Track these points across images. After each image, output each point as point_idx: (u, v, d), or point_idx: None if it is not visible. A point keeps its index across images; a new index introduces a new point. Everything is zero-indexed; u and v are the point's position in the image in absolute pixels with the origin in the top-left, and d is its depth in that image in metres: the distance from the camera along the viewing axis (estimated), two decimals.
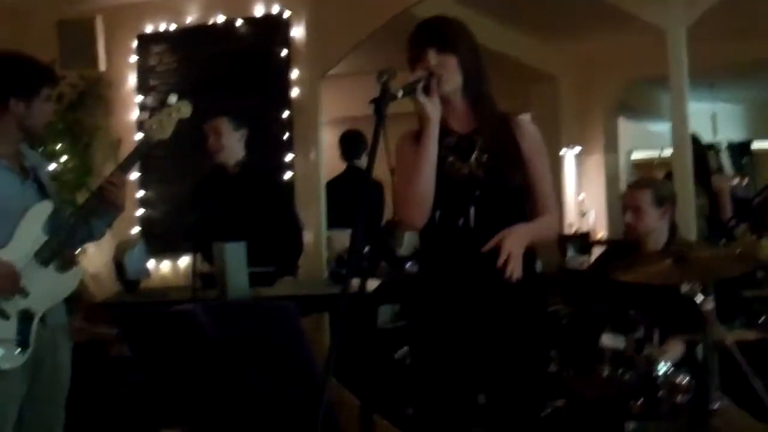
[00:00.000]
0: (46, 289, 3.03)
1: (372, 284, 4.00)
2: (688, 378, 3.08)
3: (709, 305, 3.03)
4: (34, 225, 3.04)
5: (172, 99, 3.29)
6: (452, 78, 2.51)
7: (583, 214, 8.89)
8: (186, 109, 3.30)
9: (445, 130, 2.55)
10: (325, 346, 4.96)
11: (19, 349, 2.96)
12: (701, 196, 5.39)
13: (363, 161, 5.68)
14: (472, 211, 2.49)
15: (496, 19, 7.44)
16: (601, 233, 8.68)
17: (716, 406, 2.94)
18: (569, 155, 8.96)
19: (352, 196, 5.13)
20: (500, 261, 2.38)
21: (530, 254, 2.55)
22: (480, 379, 2.55)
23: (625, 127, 10.39)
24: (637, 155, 11.93)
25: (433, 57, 2.49)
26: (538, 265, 8.00)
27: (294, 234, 4.61)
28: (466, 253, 2.49)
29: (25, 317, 2.98)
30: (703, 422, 2.95)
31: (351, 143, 5.74)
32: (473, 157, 2.53)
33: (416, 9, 5.69)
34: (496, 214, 2.51)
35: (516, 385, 2.52)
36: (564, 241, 7.97)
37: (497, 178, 2.51)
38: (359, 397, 4.03)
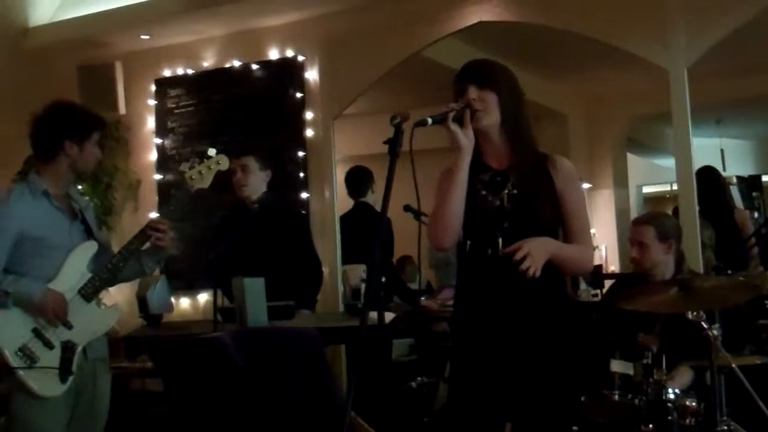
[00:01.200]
0: (87, 323, 3.26)
1: (387, 317, 4.10)
2: (696, 402, 3.16)
3: (715, 332, 3.13)
4: (79, 262, 3.29)
5: (212, 152, 3.55)
6: (490, 114, 2.60)
7: (594, 248, 8.96)
8: (224, 162, 3.57)
9: (481, 166, 2.65)
10: (341, 377, 5.06)
11: (60, 379, 3.14)
12: (708, 228, 5.47)
13: (369, 198, 5.70)
14: (500, 241, 2.57)
15: (505, 59, 7.54)
16: (613, 267, 8.75)
17: (723, 428, 3.02)
18: None
19: (361, 232, 5.23)
20: (518, 256, 2.45)
21: (560, 280, 2.62)
22: (508, 405, 2.59)
23: (635, 162, 10.50)
24: (648, 189, 12.03)
25: (473, 92, 2.59)
26: None
27: (313, 269, 4.72)
28: (494, 281, 2.57)
29: (68, 348, 3.18)
30: None
31: (357, 180, 5.77)
32: (505, 191, 2.62)
33: (427, 51, 5.87)
34: None
35: (543, 413, 2.56)
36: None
37: (526, 211, 2.59)
38: (374, 426, 4.12)
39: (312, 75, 5.88)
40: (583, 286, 7.55)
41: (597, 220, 9.24)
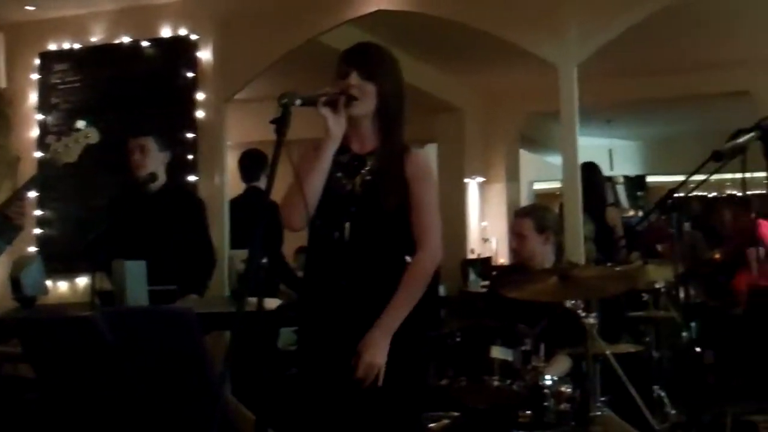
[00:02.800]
0: None
1: (272, 303, 4.05)
2: (571, 388, 3.23)
3: (591, 320, 3.21)
4: None
5: (80, 124, 3.35)
6: (366, 103, 2.59)
7: (485, 240, 9.14)
8: (94, 136, 3.36)
9: (343, 148, 2.63)
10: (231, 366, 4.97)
11: None
12: (590, 223, 5.62)
13: (262, 182, 5.61)
14: (347, 225, 2.59)
15: (404, 51, 7.60)
16: (502, 259, 8.93)
17: (597, 413, 3.11)
18: (473, 184, 9.21)
19: (252, 216, 5.13)
20: (367, 383, 2.46)
21: (401, 264, 2.61)
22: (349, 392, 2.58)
23: (527, 158, 10.74)
24: (539, 185, 12.33)
25: (354, 78, 2.57)
26: (442, 290, 8.20)
27: (205, 254, 4.62)
28: (339, 264, 2.59)
29: None
30: (584, 429, 3.11)
31: (250, 163, 5.65)
32: (359, 176, 2.63)
33: (325, 38, 5.82)
34: (370, 233, 2.60)
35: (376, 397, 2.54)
36: (466, 265, 8.18)
37: (373, 199, 2.60)
38: (254, 412, 4.07)
39: (205, 55, 5.77)
40: (472, 277, 7.70)
41: (488, 213, 9.40)
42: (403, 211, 2.61)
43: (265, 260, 3.54)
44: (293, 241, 5.86)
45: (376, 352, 2.49)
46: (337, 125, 2.54)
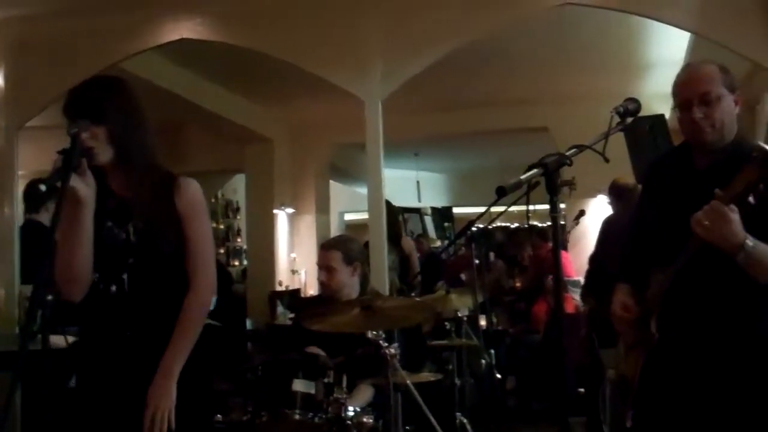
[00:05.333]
0: None
1: (63, 342, 3.84)
2: (373, 418, 3.25)
3: (393, 350, 3.25)
4: None
5: None
6: (104, 149, 2.42)
7: (294, 272, 9.11)
8: None
9: (106, 190, 2.49)
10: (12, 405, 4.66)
11: None
12: (392, 253, 5.75)
13: (41, 216, 5.27)
14: (125, 277, 2.47)
15: (213, 81, 7.55)
16: (311, 290, 8.93)
17: None
18: (282, 215, 9.19)
19: (30, 250, 4.80)
20: (146, 423, 2.38)
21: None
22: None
23: (337, 189, 10.85)
24: (350, 216, 12.48)
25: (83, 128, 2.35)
26: (248, 323, 8.04)
27: None
28: (121, 317, 2.47)
29: None
30: None
31: (32, 196, 5.31)
32: (130, 223, 2.50)
33: (128, 65, 5.64)
34: (150, 280, 2.49)
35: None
36: (275, 297, 8.13)
37: (151, 245, 2.48)
38: None
39: None
40: (280, 309, 7.64)
41: (298, 244, 9.40)
42: (180, 249, 2.51)
43: (50, 297, 3.34)
44: None
45: (161, 396, 2.41)
46: (87, 187, 2.37)
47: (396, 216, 6.55)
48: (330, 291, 3.87)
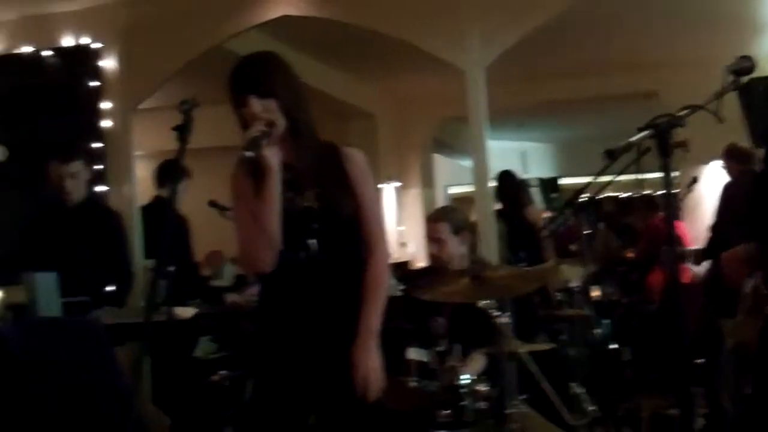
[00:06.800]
0: None
1: (187, 312, 3.98)
2: (488, 386, 3.24)
3: (505, 319, 3.23)
4: None
5: None
6: (280, 119, 2.47)
7: (402, 245, 9.17)
8: (2, 154, 3.27)
9: (280, 164, 2.52)
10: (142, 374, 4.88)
11: None
12: (501, 223, 5.69)
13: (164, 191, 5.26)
14: (312, 243, 2.51)
15: (314, 57, 7.62)
16: (420, 263, 8.95)
17: (513, 410, 3.12)
18: (389, 188, 9.23)
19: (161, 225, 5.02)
20: (359, 383, 2.46)
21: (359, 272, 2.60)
22: (312, 398, 2.57)
23: (442, 163, 10.82)
24: (454, 190, 12.44)
25: (256, 104, 2.43)
26: None
27: (123, 268, 4.53)
28: (311, 283, 2.51)
29: None
30: (501, 426, 3.12)
31: (163, 172, 5.55)
32: (309, 189, 2.54)
33: (230, 44, 5.75)
34: (336, 244, 2.54)
35: (344, 408, 2.54)
36: None
37: (332, 209, 2.53)
38: (171, 416, 4.00)
39: (109, 63, 5.64)
40: (392, 281, 7.69)
41: (406, 218, 9.44)
42: (356, 213, 2.57)
43: (172, 268, 3.46)
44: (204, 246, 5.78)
45: (370, 357, 2.49)
46: (275, 157, 2.45)
47: (518, 186, 6.48)
48: (441, 262, 3.86)
